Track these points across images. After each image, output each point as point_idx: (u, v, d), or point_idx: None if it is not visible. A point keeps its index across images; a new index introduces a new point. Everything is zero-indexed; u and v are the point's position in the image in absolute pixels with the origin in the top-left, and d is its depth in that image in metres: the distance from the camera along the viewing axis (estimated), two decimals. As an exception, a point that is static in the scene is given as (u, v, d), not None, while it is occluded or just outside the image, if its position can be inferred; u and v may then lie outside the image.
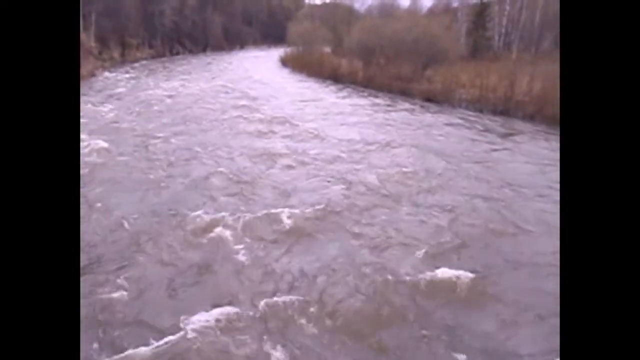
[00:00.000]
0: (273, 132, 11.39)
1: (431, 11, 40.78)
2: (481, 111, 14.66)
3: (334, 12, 46.29)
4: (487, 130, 12.22)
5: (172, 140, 10.39)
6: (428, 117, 13.76)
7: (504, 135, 11.60)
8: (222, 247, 5.33)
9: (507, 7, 35.30)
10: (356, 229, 5.83)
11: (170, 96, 17.20)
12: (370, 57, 23.05)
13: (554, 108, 12.60)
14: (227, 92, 18.80)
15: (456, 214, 6.34)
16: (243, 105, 15.37)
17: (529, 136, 11.52)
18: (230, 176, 7.79)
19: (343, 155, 9.29)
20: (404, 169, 8.27)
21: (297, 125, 12.15)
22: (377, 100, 17.13)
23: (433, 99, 16.52)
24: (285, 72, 29.93)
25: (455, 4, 38.12)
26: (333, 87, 21.12)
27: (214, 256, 5.13)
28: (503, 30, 35.50)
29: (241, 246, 5.32)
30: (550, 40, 40.05)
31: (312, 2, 76.74)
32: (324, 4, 60.39)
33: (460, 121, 13.25)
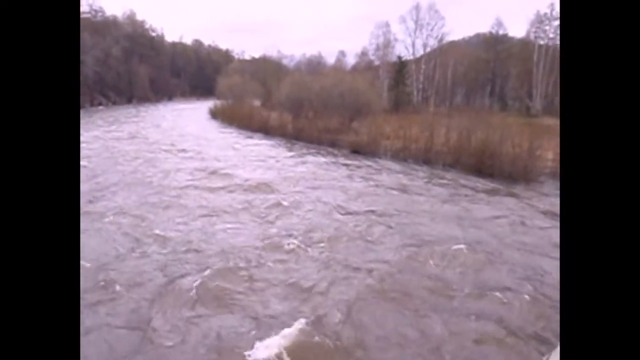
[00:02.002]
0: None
1: (355, 68, 43.48)
2: (405, 160, 15.42)
3: (263, 67, 47.76)
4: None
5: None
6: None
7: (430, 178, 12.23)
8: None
9: (423, 66, 38.69)
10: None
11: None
12: (299, 111, 23.74)
13: (470, 158, 13.62)
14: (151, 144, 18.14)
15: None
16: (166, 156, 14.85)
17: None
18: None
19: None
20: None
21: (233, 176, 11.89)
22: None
23: (360, 150, 17.14)
24: (214, 124, 29.75)
25: (377, 62, 41.07)
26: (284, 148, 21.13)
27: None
28: (420, 86, 38.66)
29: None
30: (462, 95, 44.31)
31: (241, 57, 78.79)
32: (254, 59, 62.19)
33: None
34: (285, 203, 9.04)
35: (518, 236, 7.36)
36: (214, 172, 12.35)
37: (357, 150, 17.18)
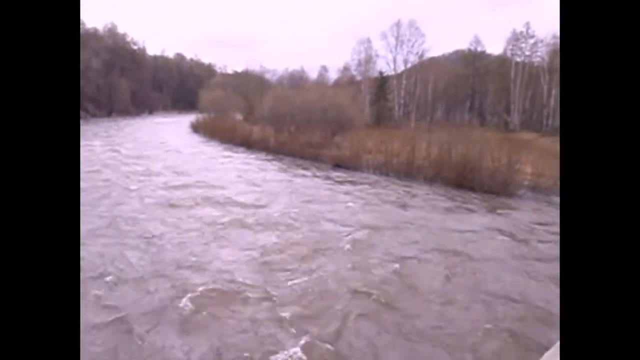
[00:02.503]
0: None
1: (337, 83, 43.93)
2: (387, 175, 15.49)
3: (245, 81, 47.81)
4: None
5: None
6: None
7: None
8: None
9: (404, 81, 39.31)
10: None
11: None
12: (281, 125, 23.75)
13: (450, 171, 13.77)
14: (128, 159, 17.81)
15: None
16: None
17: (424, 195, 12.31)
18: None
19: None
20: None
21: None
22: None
23: (342, 164, 17.18)
24: (196, 138, 29.48)
25: (358, 78, 41.57)
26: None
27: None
28: (402, 101, 39.19)
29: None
30: (442, 110, 45.10)
31: (224, 71, 78.83)
32: (236, 74, 62.26)
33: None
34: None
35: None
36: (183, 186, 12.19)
37: (340, 165, 17.22)
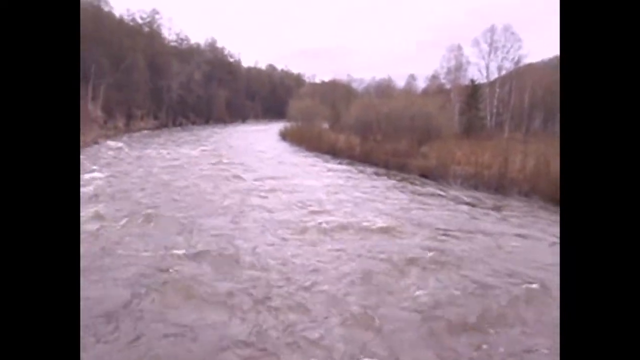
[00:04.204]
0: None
1: (425, 92, 42.92)
2: (476, 187, 14.81)
3: (333, 90, 48.70)
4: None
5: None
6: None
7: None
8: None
9: (497, 89, 37.26)
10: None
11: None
12: (367, 133, 23.83)
13: (549, 186, 12.77)
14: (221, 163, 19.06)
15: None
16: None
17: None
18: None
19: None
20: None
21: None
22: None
23: (428, 174, 16.77)
24: (284, 145, 30.64)
25: (448, 86, 40.28)
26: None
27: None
28: (494, 111, 37.15)
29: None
30: (540, 120, 41.89)
31: (312, 81, 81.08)
32: (324, 83, 63.64)
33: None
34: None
35: None
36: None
37: (425, 175, 16.83)
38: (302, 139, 29.30)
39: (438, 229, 9.26)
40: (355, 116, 26.49)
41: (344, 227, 8.87)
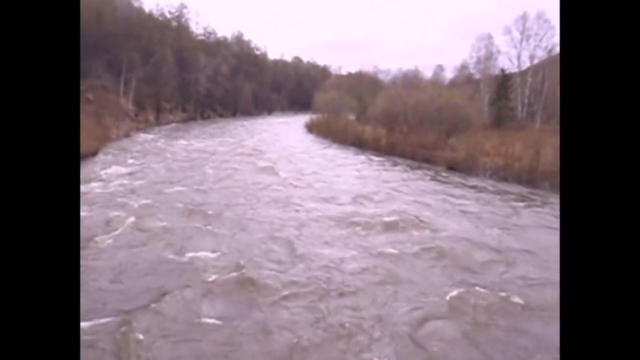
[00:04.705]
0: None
1: (453, 82, 41.99)
2: (506, 180, 14.47)
3: (359, 81, 48.29)
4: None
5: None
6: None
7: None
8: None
9: (529, 79, 36.09)
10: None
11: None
12: (393, 125, 23.58)
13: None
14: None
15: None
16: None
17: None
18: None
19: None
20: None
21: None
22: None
23: (455, 167, 16.48)
24: (309, 138, 30.71)
25: (477, 76, 39.29)
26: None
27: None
28: (526, 101, 36.02)
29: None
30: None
31: (338, 73, 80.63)
32: (350, 75, 63.19)
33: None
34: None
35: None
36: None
37: (453, 167, 16.54)
38: (328, 131, 29.26)
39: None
40: (381, 108, 26.22)
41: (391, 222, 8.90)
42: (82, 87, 25.33)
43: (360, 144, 23.60)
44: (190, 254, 6.74)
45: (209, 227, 8.28)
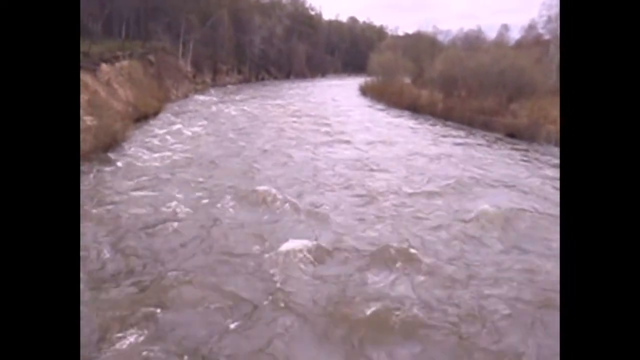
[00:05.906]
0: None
1: (519, 44, 39.19)
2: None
3: (416, 43, 46.26)
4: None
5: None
6: None
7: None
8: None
9: (607, 40, 32.88)
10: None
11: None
12: (451, 89, 22.65)
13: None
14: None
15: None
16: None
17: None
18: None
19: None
20: None
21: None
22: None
23: (517, 134, 15.69)
24: (364, 101, 30.22)
25: (547, 37, 36.34)
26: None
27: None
28: (601, 64, 33.01)
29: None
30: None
31: (395, 33, 77.75)
32: (407, 35, 60.67)
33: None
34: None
35: None
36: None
37: (513, 135, 15.77)
38: (383, 94, 28.68)
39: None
40: (439, 71, 25.12)
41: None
42: (143, 50, 26.30)
43: (415, 108, 23.00)
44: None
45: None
